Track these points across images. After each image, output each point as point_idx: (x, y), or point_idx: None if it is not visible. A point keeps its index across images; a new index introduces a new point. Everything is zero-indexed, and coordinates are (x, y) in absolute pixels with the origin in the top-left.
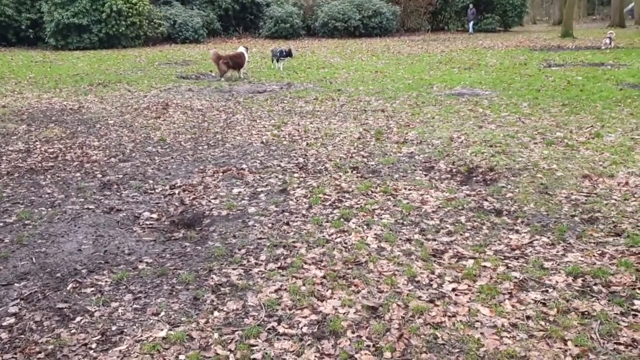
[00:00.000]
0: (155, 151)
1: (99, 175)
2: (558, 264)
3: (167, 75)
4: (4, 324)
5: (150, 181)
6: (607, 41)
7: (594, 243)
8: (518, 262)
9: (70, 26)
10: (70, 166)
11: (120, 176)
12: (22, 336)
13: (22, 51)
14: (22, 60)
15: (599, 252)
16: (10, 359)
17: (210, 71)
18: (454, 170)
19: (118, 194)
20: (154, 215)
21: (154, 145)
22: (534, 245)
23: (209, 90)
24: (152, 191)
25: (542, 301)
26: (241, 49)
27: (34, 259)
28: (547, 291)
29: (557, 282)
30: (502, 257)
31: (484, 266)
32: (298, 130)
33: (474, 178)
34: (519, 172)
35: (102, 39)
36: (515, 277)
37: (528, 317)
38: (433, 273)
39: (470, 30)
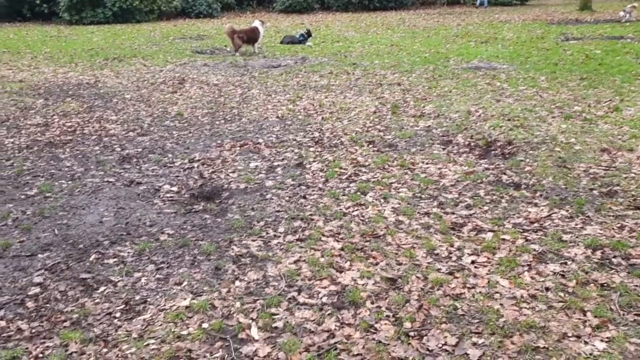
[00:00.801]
0: (173, 125)
1: (118, 149)
2: (577, 237)
3: (182, 50)
4: (29, 293)
5: (169, 155)
6: (622, 13)
7: (613, 216)
8: (537, 235)
9: (84, 0)
10: (89, 140)
11: (140, 150)
12: (48, 305)
13: (36, 26)
14: (37, 35)
15: (618, 225)
16: (37, 327)
17: (225, 46)
18: (472, 144)
19: (138, 167)
20: (174, 188)
21: (171, 120)
22: (552, 218)
23: (224, 65)
24: (172, 165)
25: (561, 273)
26: (256, 23)
27: (56, 230)
28: (566, 263)
29: (576, 254)
30: (521, 230)
31: (503, 239)
32: (313, 105)
33: (493, 152)
34: (537, 145)
35: (116, 13)
36: (534, 250)
37: (547, 289)
38: (452, 246)
39: (485, 3)
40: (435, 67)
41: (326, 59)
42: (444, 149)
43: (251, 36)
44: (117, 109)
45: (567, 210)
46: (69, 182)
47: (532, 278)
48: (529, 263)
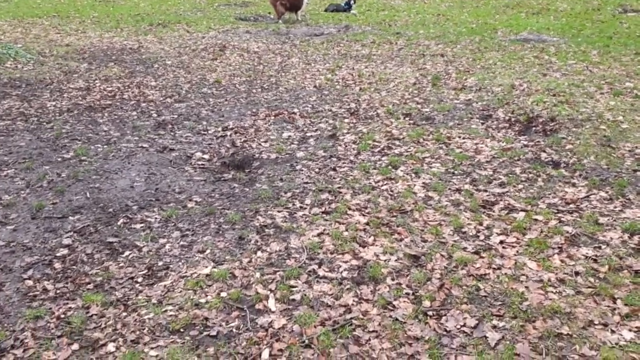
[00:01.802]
0: (210, 93)
1: (155, 115)
2: (614, 220)
3: (225, 17)
4: (58, 254)
5: (204, 122)
6: None
7: None
8: (572, 216)
9: None
10: (127, 105)
11: (175, 116)
12: (74, 267)
13: None
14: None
15: None
16: (62, 288)
17: (269, 13)
18: (512, 119)
19: (172, 133)
20: (206, 156)
21: (209, 87)
22: (590, 199)
23: (266, 32)
24: (205, 132)
25: (594, 257)
26: None
27: (88, 194)
28: (599, 247)
29: (611, 238)
30: (555, 211)
31: (535, 219)
32: (352, 75)
33: (534, 128)
34: (581, 123)
35: None
36: (567, 232)
37: (577, 273)
38: (481, 224)
39: None
40: (482, 39)
41: (370, 27)
42: (482, 123)
43: (294, 3)
44: (157, 75)
45: (606, 192)
46: (105, 146)
47: (562, 261)
48: (560, 245)
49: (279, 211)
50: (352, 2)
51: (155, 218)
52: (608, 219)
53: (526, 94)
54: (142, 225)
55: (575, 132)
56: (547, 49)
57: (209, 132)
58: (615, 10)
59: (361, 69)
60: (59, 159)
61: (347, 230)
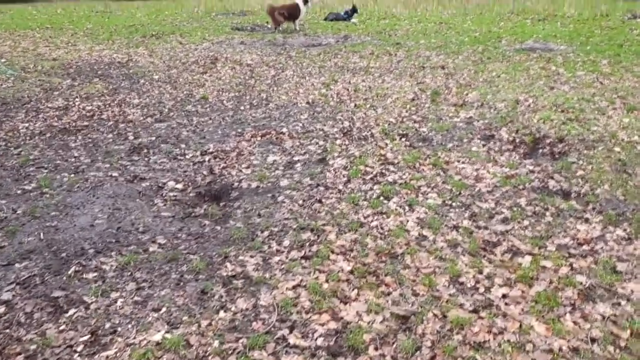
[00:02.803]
0: (195, 111)
1: (131, 137)
2: (635, 267)
3: (221, 27)
4: None
5: (183, 145)
6: None
7: None
8: (585, 261)
9: None
10: (105, 126)
11: (153, 139)
12: (8, 330)
13: (86, 1)
14: (84, 10)
15: None
16: None
17: (266, 23)
18: (517, 140)
19: (146, 159)
20: (179, 186)
21: (194, 104)
22: (606, 239)
23: (261, 43)
24: (182, 157)
25: (612, 318)
26: (297, 0)
27: (42, 234)
28: (618, 304)
29: (632, 291)
30: (567, 255)
31: (544, 266)
32: (348, 90)
33: (540, 150)
34: (593, 144)
35: None
36: (581, 283)
37: (593, 340)
38: (481, 272)
39: None
40: (485, 48)
41: (369, 37)
42: (484, 145)
43: (292, 12)
44: (142, 92)
45: (624, 230)
46: (72, 175)
47: (575, 323)
48: (572, 302)
49: (251, 256)
50: (351, 11)
51: (111, 265)
52: (627, 266)
53: (532, 110)
54: (95, 274)
55: (586, 155)
56: (554, 59)
57: (187, 156)
58: (625, 16)
59: (358, 83)
60: (19, 191)
61: (327, 281)
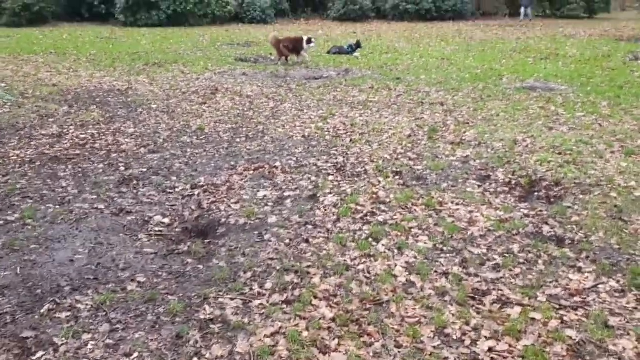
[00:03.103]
0: (190, 142)
1: (122, 168)
2: (627, 322)
3: (225, 57)
4: None
5: (174, 177)
6: None
7: None
8: (576, 314)
9: (140, 3)
10: (96, 156)
11: (144, 170)
12: None
13: (93, 27)
14: (90, 36)
15: None
16: None
17: (270, 54)
18: (513, 181)
19: (135, 191)
20: (166, 220)
21: (190, 135)
22: (598, 290)
23: (263, 75)
24: (172, 190)
25: None
26: (304, 37)
27: (19, 269)
28: None
29: (624, 348)
30: (557, 306)
31: (533, 318)
32: (344, 124)
33: (536, 193)
34: (589, 188)
35: (170, 17)
36: (571, 338)
37: None
38: (468, 324)
39: (522, 16)
40: (485, 86)
41: (370, 71)
42: (479, 186)
43: (296, 46)
44: (138, 121)
45: (617, 281)
46: (57, 206)
47: None
48: (561, 358)
49: (232, 298)
50: (355, 46)
51: (87, 304)
52: (620, 321)
53: (529, 151)
54: (68, 314)
55: (582, 200)
56: (554, 99)
57: (177, 189)
58: (626, 57)
59: (355, 117)
60: (1, 222)
61: (308, 329)
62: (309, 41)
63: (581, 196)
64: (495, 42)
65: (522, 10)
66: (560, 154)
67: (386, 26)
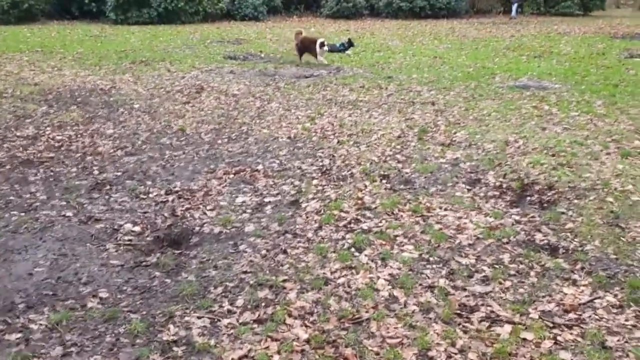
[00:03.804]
0: (169, 144)
1: (96, 172)
2: (626, 342)
3: (213, 55)
4: None
5: (149, 182)
6: None
7: None
8: (571, 333)
9: (131, 0)
10: (71, 158)
11: (119, 174)
12: None
13: (83, 25)
14: (79, 34)
15: None
16: None
17: (260, 52)
18: (504, 185)
19: (107, 197)
20: (137, 229)
21: (170, 137)
22: (595, 306)
23: (251, 73)
24: (145, 196)
25: None
26: (318, 40)
27: None
28: None
29: None
30: (551, 324)
31: (524, 339)
32: (333, 124)
33: (528, 198)
34: (584, 192)
35: (161, 14)
36: None
37: None
38: (454, 345)
39: (514, 13)
40: (478, 85)
41: (362, 70)
42: (469, 190)
43: (307, 45)
44: (119, 121)
45: (615, 295)
46: (22, 214)
47: None
48: None
49: (199, 317)
50: (347, 44)
51: (40, 324)
52: (618, 340)
53: (521, 152)
54: (19, 336)
55: (577, 205)
56: (548, 98)
57: (150, 195)
58: (621, 54)
59: (344, 117)
60: None
61: (279, 352)
62: (322, 45)
63: (576, 201)
64: (488, 39)
65: (514, 7)
66: (553, 155)
67: (379, 24)
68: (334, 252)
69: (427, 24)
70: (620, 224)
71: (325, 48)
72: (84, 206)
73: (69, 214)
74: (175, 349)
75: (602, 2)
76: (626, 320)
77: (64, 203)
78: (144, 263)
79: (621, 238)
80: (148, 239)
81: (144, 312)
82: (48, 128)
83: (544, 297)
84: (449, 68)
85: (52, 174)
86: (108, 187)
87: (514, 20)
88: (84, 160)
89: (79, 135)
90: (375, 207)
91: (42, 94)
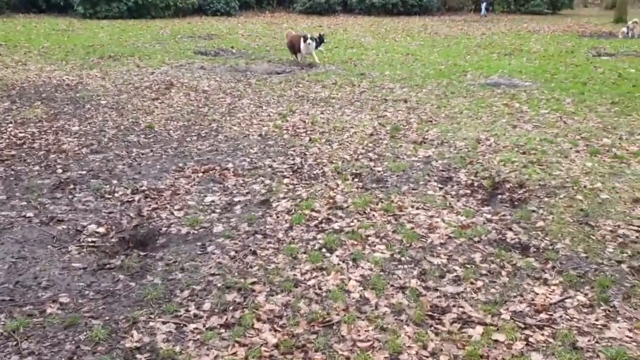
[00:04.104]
0: (136, 141)
1: (59, 171)
2: (596, 342)
3: (184, 50)
4: None
5: (115, 181)
6: (625, 30)
7: None
8: (542, 334)
9: None
10: (33, 156)
11: (83, 173)
12: None
13: (50, 19)
14: (45, 28)
15: None
16: None
17: (232, 47)
18: (475, 183)
19: (70, 197)
20: (101, 230)
21: (137, 134)
22: (565, 305)
23: (222, 68)
24: (110, 196)
25: None
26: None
27: None
28: None
29: None
30: (522, 325)
31: (496, 340)
32: (304, 122)
33: (499, 196)
34: (554, 190)
35: (131, 8)
36: None
37: None
38: (425, 347)
39: (483, 11)
40: (449, 82)
41: (334, 67)
42: (440, 188)
43: (294, 43)
44: (85, 118)
45: (585, 295)
46: None
47: None
48: None
49: (164, 322)
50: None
51: None
52: (589, 340)
53: (493, 150)
54: None
55: (547, 203)
56: (519, 96)
57: (116, 194)
58: (589, 52)
59: (316, 114)
60: None
61: (247, 357)
62: (304, 39)
63: (546, 199)
64: (460, 37)
65: (483, 5)
66: (524, 153)
67: (352, 20)
68: (305, 252)
69: (399, 21)
70: (589, 222)
71: (309, 42)
72: (45, 206)
73: (30, 214)
74: (138, 356)
75: (571, 1)
76: (596, 320)
77: (25, 203)
78: (107, 266)
79: (591, 236)
80: (113, 240)
81: (107, 318)
82: (10, 125)
83: (515, 297)
84: (421, 65)
85: (12, 172)
86: (72, 186)
87: (484, 19)
88: (47, 158)
89: (43, 133)
90: (347, 207)
91: (5, 89)
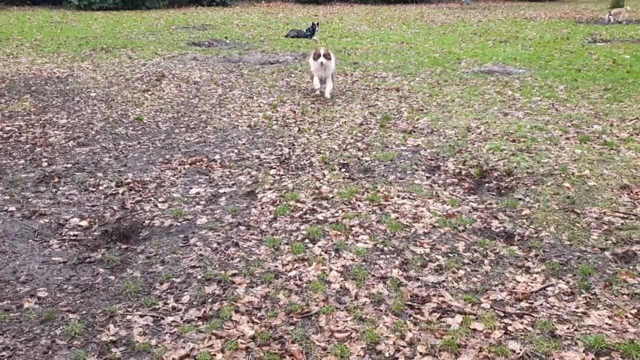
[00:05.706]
0: (124, 134)
1: (45, 164)
2: (575, 330)
3: (177, 41)
4: None
5: (100, 174)
6: (605, 17)
7: (628, 295)
8: (522, 322)
9: None
10: (20, 150)
11: (69, 166)
12: None
13: (44, 10)
14: (39, 20)
15: (633, 312)
16: None
17: (225, 38)
18: (463, 172)
19: (54, 190)
20: (84, 223)
21: (126, 126)
22: (547, 294)
23: (215, 59)
24: (94, 189)
25: None
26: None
27: None
28: None
29: None
30: (502, 314)
31: (474, 329)
32: (294, 112)
33: (486, 184)
34: (542, 178)
35: (125, 0)
36: (514, 352)
37: None
38: (403, 338)
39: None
40: (443, 70)
41: None
42: (428, 177)
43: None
44: (73, 110)
45: (567, 282)
46: None
47: None
48: None
49: (141, 315)
50: (313, 29)
51: None
52: (568, 329)
53: (482, 138)
54: None
55: (534, 191)
56: (511, 83)
57: (100, 187)
58: (585, 39)
59: (306, 105)
60: None
61: (222, 350)
62: (316, 56)
63: (533, 187)
64: (456, 24)
65: None
66: (513, 141)
67: (348, 9)
68: (287, 244)
69: (396, 9)
70: (575, 210)
71: (321, 60)
72: (28, 200)
73: (12, 208)
74: (114, 349)
75: None
76: (577, 307)
77: (8, 197)
78: (88, 259)
79: (576, 224)
80: (95, 233)
81: (84, 312)
82: None
83: (496, 285)
84: (416, 54)
85: None
86: (56, 179)
87: (466, 7)
88: (33, 151)
89: (30, 126)
90: (333, 197)
91: None
